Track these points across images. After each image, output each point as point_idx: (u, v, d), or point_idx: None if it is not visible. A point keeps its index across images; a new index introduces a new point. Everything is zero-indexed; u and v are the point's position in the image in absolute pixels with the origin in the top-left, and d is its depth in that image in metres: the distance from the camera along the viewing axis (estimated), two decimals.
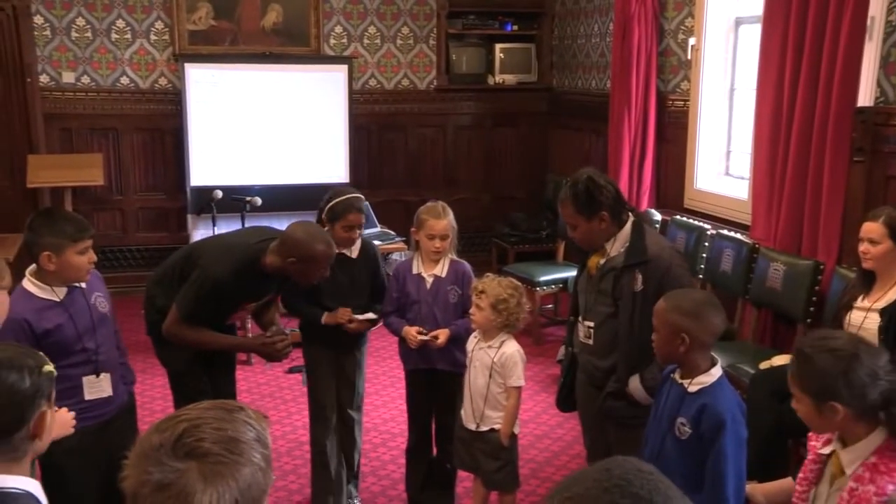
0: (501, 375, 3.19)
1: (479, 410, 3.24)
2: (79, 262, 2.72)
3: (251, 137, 6.70)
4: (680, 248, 4.84)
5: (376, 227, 5.76)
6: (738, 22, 5.41)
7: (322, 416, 3.61)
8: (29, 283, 2.72)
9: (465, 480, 3.76)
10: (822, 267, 4.06)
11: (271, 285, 3.32)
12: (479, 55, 7.44)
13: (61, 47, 6.62)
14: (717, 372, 2.42)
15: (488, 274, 3.32)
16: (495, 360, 3.19)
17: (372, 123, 7.31)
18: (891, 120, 3.95)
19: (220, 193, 5.31)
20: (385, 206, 6.80)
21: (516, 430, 3.29)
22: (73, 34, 6.63)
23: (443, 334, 3.40)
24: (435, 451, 3.71)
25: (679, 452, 2.41)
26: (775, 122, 4.41)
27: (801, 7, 4.17)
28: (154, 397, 4.81)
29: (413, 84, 7.42)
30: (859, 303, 3.36)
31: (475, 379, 3.24)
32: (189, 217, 6.56)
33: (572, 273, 4.54)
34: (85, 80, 6.72)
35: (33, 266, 2.74)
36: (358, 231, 3.47)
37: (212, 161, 6.62)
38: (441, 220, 3.41)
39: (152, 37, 6.78)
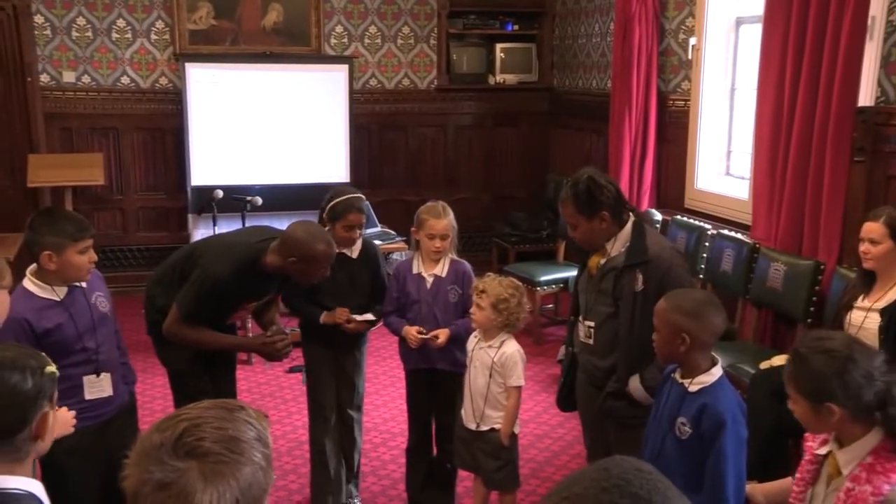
0: (501, 375, 3.19)
1: (480, 410, 3.24)
2: (79, 261, 2.72)
3: (252, 137, 6.70)
4: (680, 248, 4.84)
5: (377, 226, 5.76)
6: (739, 22, 5.41)
7: (321, 416, 3.62)
8: (29, 283, 2.72)
9: (465, 480, 3.76)
10: (822, 267, 4.06)
11: (272, 285, 3.32)
12: (479, 55, 7.44)
13: (62, 47, 6.62)
14: (717, 372, 2.42)
15: (489, 274, 3.32)
16: (495, 359, 3.19)
17: (372, 123, 7.31)
18: (891, 120, 3.95)
19: (220, 193, 5.30)
20: (385, 206, 6.80)
21: (516, 430, 3.29)
22: (74, 34, 6.63)
23: (443, 334, 3.40)
24: (435, 450, 3.71)
25: (679, 452, 2.41)
26: (776, 121, 4.41)
27: (802, 7, 4.17)
28: (154, 397, 4.81)
29: (413, 84, 7.42)
30: (860, 303, 3.36)
31: (475, 379, 3.24)
32: (189, 217, 6.56)
33: (573, 273, 4.54)
34: (85, 79, 6.72)
35: (34, 265, 2.74)
36: (359, 231, 3.47)
37: (212, 161, 6.62)
38: (441, 219, 3.41)
39: (153, 36, 6.78)
